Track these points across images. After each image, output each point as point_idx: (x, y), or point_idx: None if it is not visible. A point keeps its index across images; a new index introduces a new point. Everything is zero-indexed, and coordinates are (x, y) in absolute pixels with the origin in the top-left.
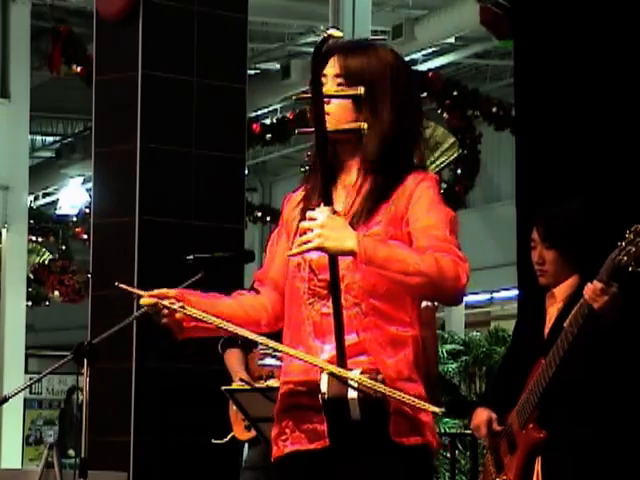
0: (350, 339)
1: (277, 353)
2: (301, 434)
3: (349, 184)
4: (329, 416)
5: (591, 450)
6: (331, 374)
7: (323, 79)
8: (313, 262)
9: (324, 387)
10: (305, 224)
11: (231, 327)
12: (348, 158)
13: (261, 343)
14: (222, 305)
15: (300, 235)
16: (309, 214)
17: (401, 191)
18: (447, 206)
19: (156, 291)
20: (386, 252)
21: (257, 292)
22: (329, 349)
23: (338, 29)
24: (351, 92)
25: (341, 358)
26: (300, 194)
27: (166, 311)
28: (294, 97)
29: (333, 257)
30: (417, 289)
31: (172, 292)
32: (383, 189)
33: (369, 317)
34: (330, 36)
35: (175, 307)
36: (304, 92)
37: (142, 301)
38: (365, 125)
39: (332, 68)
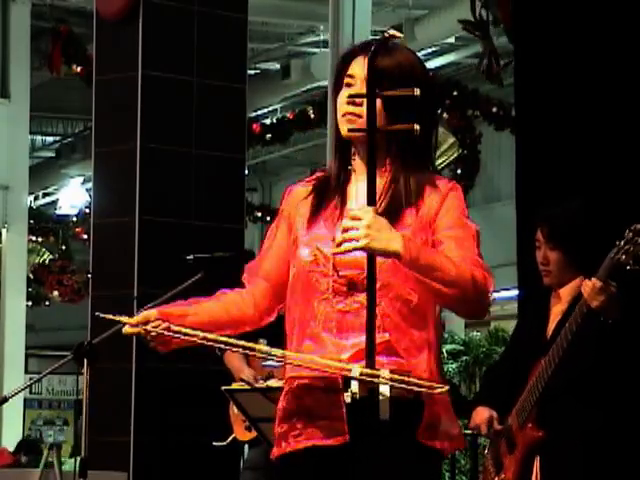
0: (378, 338)
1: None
2: (316, 430)
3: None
4: (355, 415)
5: (590, 450)
6: (358, 379)
7: (351, 80)
8: (335, 258)
9: (355, 386)
10: (349, 223)
11: (219, 340)
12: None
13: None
14: (204, 311)
15: (342, 232)
16: (352, 213)
17: (430, 196)
18: (471, 219)
19: (138, 317)
20: (428, 258)
21: (243, 286)
22: (349, 346)
23: (400, 30)
24: (407, 92)
25: (370, 357)
26: (305, 189)
27: (152, 334)
28: (348, 94)
29: (372, 257)
30: (451, 299)
31: (153, 313)
32: (412, 192)
33: (390, 318)
34: (392, 36)
35: (160, 330)
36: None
37: (125, 330)
38: (417, 126)
39: (362, 70)
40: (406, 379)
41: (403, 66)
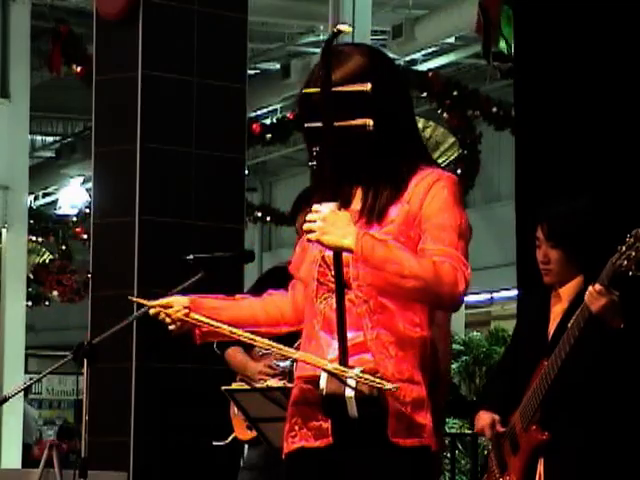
0: (355, 337)
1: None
2: (308, 431)
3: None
4: (328, 413)
5: (593, 454)
6: (329, 372)
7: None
8: (328, 257)
9: (322, 383)
10: (309, 216)
11: (236, 332)
12: (358, 165)
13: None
14: (240, 307)
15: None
16: (314, 207)
17: (415, 189)
18: (460, 209)
19: (164, 300)
20: (384, 253)
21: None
22: (336, 345)
23: (347, 24)
24: (358, 87)
25: (343, 355)
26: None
27: (169, 319)
28: (302, 90)
29: (337, 253)
30: (412, 292)
31: (181, 300)
32: (395, 187)
33: (377, 315)
34: (340, 31)
35: (179, 315)
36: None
37: (151, 312)
38: (370, 121)
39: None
40: (372, 378)
41: (354, 73)
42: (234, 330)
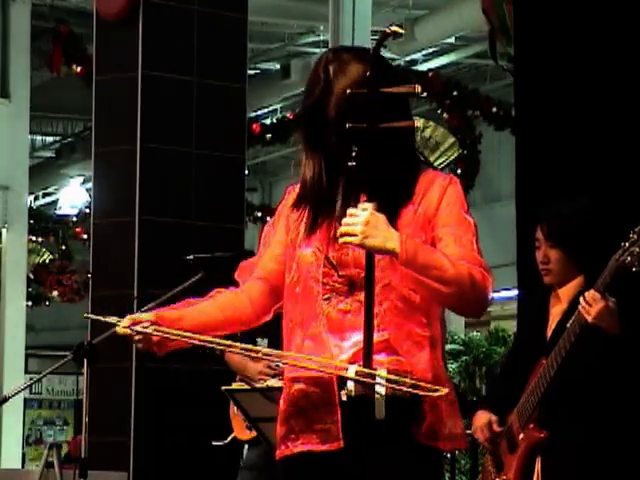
0: (377, 337)
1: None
2: (312, 434)
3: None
4: (351, 415)
5: (592, 451)
6: (357, 372)
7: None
8: (334, 258)
9: (351, 385)
10: (348, 220)
11: (217, 342)
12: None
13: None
14: (199, 313)
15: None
16: (350, 210)
17: (427, 192)
18: (471, 214)
19: (127, 318)
20: (426, 257)
21: (237, 285)
22: (348, 346)
23: (401, 26)
24: (407, 89)
25: (368, 356)
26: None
27: (139, 337)
28: (348, 91)
29: (370, 255)
30: (449, 298)
31: (146, 316)
32: (401, 190)
33: (391, 317)
34: (394, 32)
35: (148, 330)
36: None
37: (117, 331)
38: (417, 122)
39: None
40: (403, 380)
41: (356, 78)
42: (206, 338)
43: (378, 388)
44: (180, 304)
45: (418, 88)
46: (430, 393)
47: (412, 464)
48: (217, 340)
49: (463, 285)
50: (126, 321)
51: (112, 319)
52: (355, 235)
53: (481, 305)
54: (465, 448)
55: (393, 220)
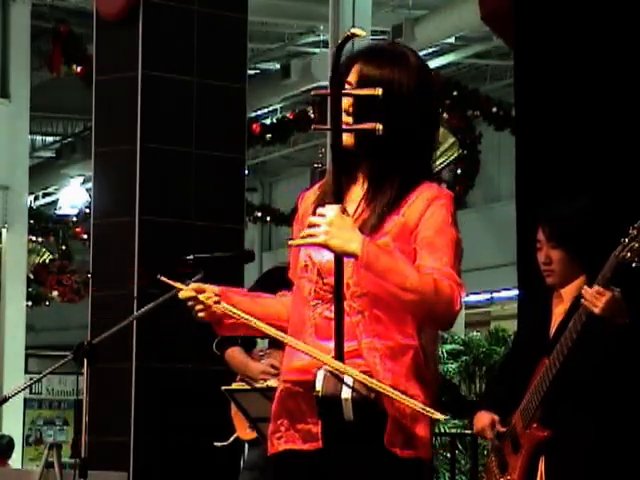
0: (350, 346)
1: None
2: (295, 433)
3: (359, 192)
4: (323, 415)
5: (601, 447)
6: (329, 372)
7: (347, 86)
8: (321, 265)
9: (319, 385)
10: (313, 219)
11: (261, 326)
12: (359, 167)
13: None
14: (258, 304)
15: (307, 227)
16: (319, 210)
17: (413, 203)
18: (456, 228)
19: (195, 285)
20: (387, 262)
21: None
22: (331, 347)
23: (362, 28)
24: (368, 91)
25: (340, 359)
26: (314, 193)
27: (201, 306)
28: (312, 92)
29: (339, 259)
30: (409, 305)
31: (212, 288)
32: (394, 198)
33: (371, 325)
34: (353, 34)
35: (210, 302)
36: (323, 88)
37: (181, 294)
38: (380, 126)
39: (352, 75)
40: (374, 382)
41: (390, 72)
42: (263, 325)
43: (345, 390)
44: (244, 292)
45: (379, 91)
46: (400, 399)
47: (379, 470)
48: (274, 330)
49: (425, 295)
50: (190, 288)
51: (178, 284)
52: (316, 235)
53: (446, 318)
54: (428, 459)
55: (375, 228)
